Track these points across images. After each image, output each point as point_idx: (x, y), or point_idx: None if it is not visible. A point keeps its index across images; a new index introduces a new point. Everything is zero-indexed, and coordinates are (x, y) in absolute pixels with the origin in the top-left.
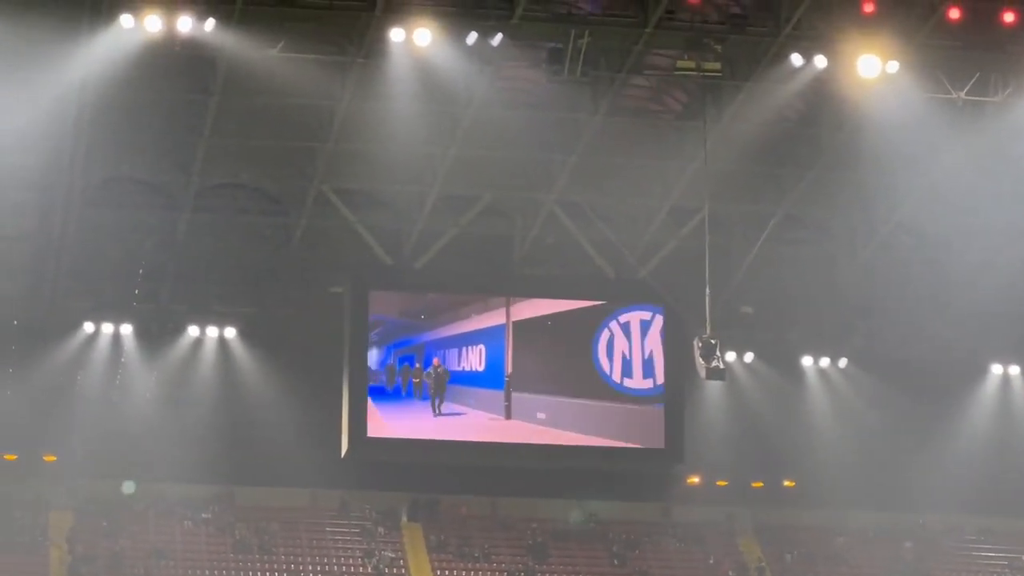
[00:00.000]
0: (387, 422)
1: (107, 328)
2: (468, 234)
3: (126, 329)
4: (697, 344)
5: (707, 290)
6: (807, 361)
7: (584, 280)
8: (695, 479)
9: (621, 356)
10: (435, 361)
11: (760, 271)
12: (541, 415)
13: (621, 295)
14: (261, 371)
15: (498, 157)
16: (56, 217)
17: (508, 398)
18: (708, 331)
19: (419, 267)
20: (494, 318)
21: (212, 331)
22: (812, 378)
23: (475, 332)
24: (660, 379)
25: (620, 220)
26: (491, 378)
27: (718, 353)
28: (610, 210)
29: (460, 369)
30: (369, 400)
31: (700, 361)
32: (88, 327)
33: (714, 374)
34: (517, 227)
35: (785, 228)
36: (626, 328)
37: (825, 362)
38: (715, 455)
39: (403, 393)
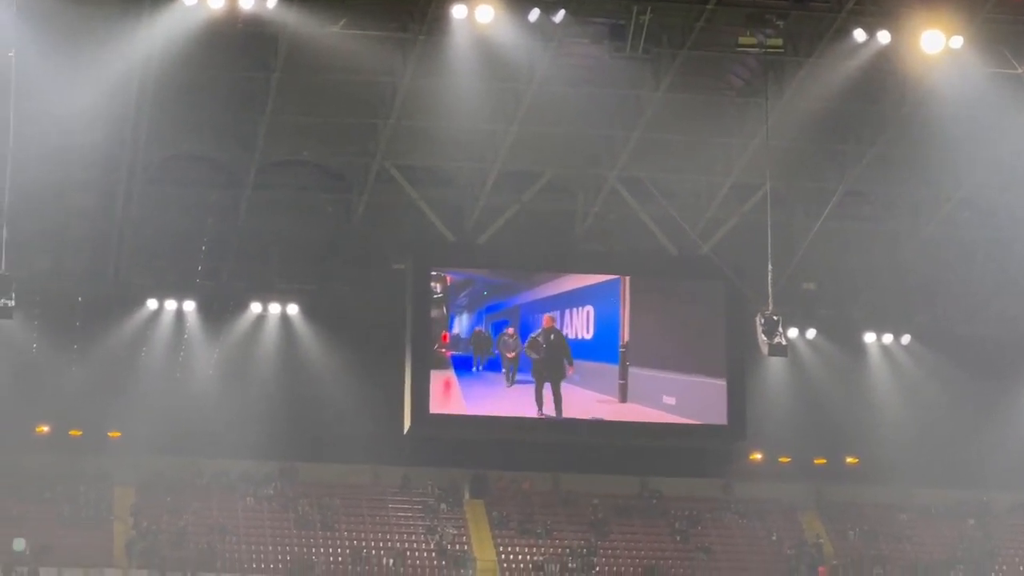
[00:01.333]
0: (468, 403)
1: (170, 305)
2: (530, 210)
3: (189, 306)
4: (759, 320)
5: (769, 266)
6: (870, 338)
7: (646, 256)
8: (757, 456)
9: None
10: (545, 320)
11: (822, 247)
12: (669, 399)
13: (683, 271)
14: (323, 348)
15: (560, 133)
16: (119, 194)
17: (624, 375)
18: (770, 307)
19: (481, 243)
20: None
21: (274, 308)
22: (875, 355)
23: (581, 290)
24: None
25: (682, 196)
26: (602, 348)
27: (780, 329)
28: (672, 186)
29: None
30: (453, 376)
31: (762, 337)
32: (151, 304)
33: (776, 350)
34: (579, 203)
35: (848, 204)
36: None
37: (888, 339)
38: (777, 432)
39: (502, 369)
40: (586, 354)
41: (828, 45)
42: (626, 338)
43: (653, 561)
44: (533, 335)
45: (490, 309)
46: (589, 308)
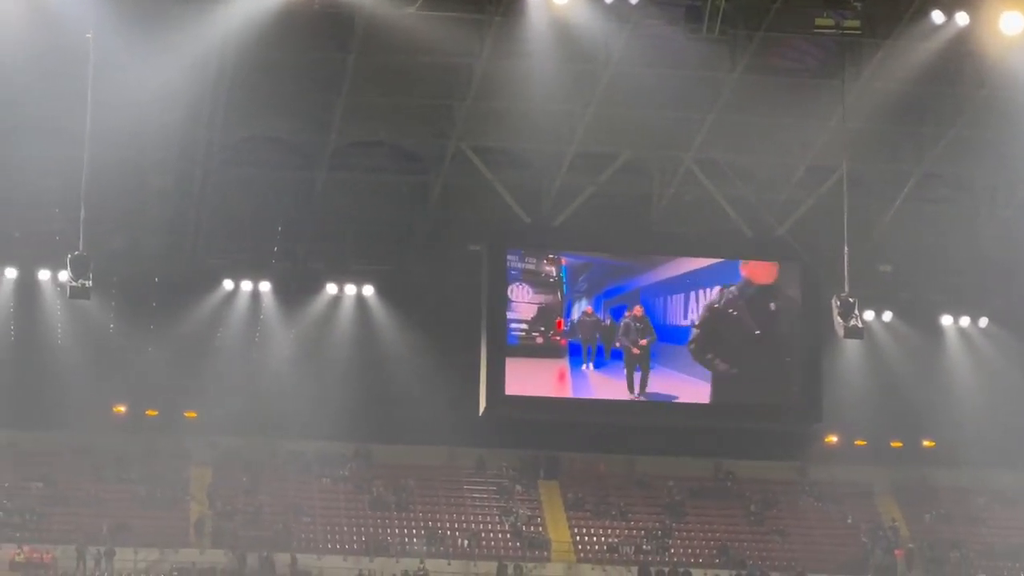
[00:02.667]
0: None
1: (246, 285)
2: (606, 192)
3: (264, 286)
4: (835, 303)
5: (845, 248)
6: (947, 320)
7: (722, 238)
8: (833, 438)
9: None
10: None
11: (899, 229)
12: None
13: (758, 252)
14: (399, 329)
15: (636, 115)
16: (196, 175)
17: None
18: (846, 290)
19: (557, 225)
20: None
21: (350, 289)
22: (952, 337)
23: (709, 269)
24: None
25: (758, 178)
26: None
27: (856, 312)
28: (748, 168)
29: (687, 324)
30: (567, 367)
31: (838, 320)
32: (227, 284)
33: (852, 333)
34: (655, 185)
35: (925, 186)
36: None
37: (965, 321)
38: (853, 415)
39: (624, 368)
40: None
41: (906, 27)
42: None
43: (727, 543)
44: (718, 302)
45: (608, 294)
46: (719, 290)
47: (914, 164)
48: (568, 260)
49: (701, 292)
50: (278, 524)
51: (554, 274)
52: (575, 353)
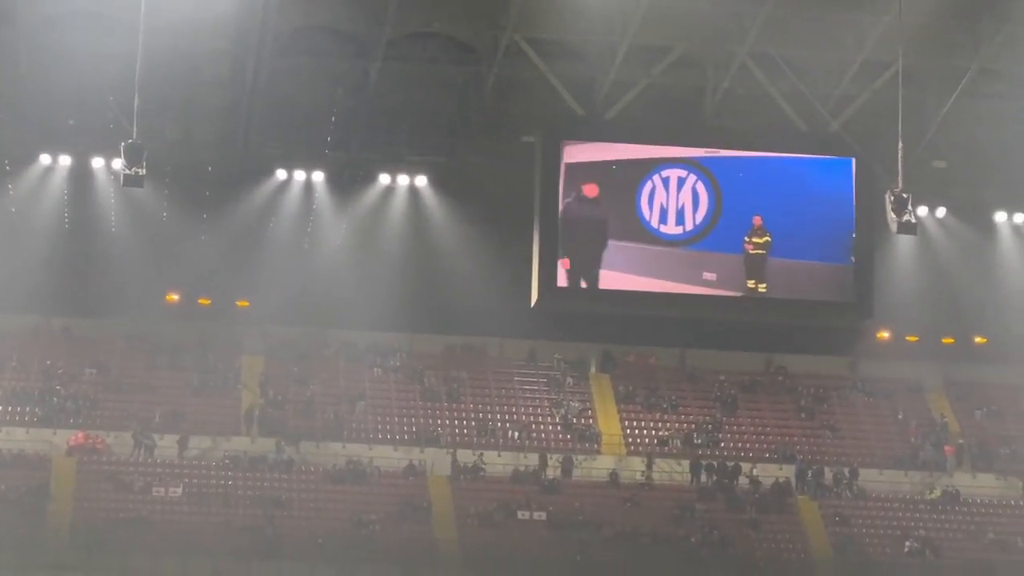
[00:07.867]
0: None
1: (299, 175)
2: (660, 85)
3: (318, 176)
4: (889, 198)
5: (900, 144)
6: (1000, 217)
7: (775, 132)
8: (884, 334)
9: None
10: None
11: (954, 125)
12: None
13: (812, 147)
14: (452, 220)
15: (690, 8)
16: (249, 65)
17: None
18: (900, 185)
19: (610, 118)
20: None
21: (403, 179)
22: (1005, 234)
23: None
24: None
25: (812, 72)
26: None
27: (910, 207)
28: (802, 62)
29: None
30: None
31: (891, 215)
32: (280, 174)
33: (905, 228)
34: (709, 79)
35: (981, 82)
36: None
37: (1019, 218)
38: (905, 310)
39: None
40: None
41: None
42: None
43: (777, 437)
44: None
45: None
46: None
47: (970, 60)
48: None
49: None
50: (328, 413)
51: None
52: None
